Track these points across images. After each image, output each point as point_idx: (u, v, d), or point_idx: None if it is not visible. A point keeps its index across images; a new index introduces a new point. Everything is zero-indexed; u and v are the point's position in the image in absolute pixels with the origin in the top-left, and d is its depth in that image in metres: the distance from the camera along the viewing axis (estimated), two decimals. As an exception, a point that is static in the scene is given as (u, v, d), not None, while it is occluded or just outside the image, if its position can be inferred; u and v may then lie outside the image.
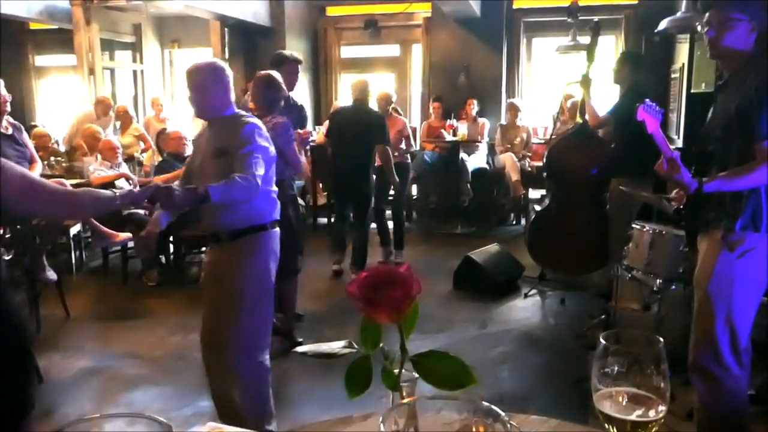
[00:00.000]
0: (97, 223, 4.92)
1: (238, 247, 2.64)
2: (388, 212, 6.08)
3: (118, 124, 7.22)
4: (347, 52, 9.14)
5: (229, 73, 2.68)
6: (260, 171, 2.47)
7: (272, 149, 2.66)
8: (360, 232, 5.45)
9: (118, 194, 2.08)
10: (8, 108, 4.66)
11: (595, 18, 5.33)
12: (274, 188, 2.76)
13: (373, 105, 5.54)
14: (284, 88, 3.92)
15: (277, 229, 2.76)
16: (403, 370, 0.89)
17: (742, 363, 2.34)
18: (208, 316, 2.75)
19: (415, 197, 8.11)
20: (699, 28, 2.39)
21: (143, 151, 7.14)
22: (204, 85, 2.60)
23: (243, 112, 2.75)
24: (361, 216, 5.45)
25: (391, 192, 6.11)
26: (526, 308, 4.84)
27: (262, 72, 3.96)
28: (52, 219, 1.85)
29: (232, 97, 2.68)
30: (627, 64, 4.68)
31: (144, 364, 3.88)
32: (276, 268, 2.75)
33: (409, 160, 6.44)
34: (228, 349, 2.65)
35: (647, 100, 2.57)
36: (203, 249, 4.94)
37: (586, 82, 4.71)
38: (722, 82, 2.45)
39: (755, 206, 2.26)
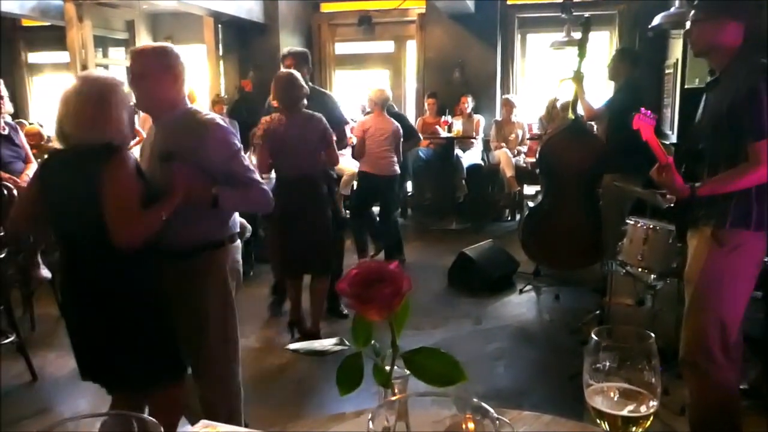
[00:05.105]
0: None
1: (195, 266, 2.31)
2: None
3: None
4: (341, 48, 9.11)
5: (183, 62, 2.29)
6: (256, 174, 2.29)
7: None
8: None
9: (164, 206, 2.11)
10: (6, 107, 4.60)
11: (586, 14, 5.33)
12: None
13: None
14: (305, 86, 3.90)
15: (238, 243, 2.45)
16: (395, 367, 0.89)
17: (732, 357, 2.35)
18: None
19: (410, 193, 8.11)
20: (687, 25, 2.38)
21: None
22: (150, 73, 2.22)
23: (196, 109, 2.37)
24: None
25: None
26: (520, 304, 4.85)
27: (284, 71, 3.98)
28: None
29: (185, 91, 2.31)
30: (623, 61, 4.69)
31: (139, 362, 3.87)
32: (236, 284, 2.44)
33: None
34: (197, 376, 2.40)
35: (642, 108, 2.54)
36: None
37: (578, 77, 4.72)
38: (712, 79, 2.45)
39: (745, 203, 2.26)
